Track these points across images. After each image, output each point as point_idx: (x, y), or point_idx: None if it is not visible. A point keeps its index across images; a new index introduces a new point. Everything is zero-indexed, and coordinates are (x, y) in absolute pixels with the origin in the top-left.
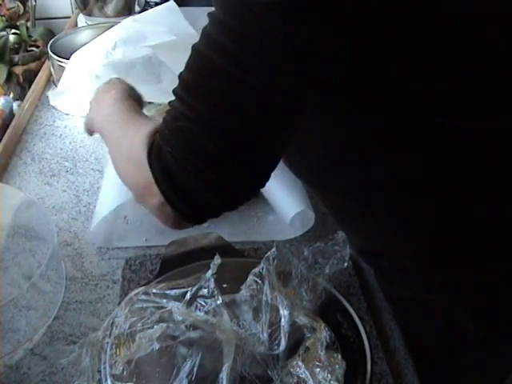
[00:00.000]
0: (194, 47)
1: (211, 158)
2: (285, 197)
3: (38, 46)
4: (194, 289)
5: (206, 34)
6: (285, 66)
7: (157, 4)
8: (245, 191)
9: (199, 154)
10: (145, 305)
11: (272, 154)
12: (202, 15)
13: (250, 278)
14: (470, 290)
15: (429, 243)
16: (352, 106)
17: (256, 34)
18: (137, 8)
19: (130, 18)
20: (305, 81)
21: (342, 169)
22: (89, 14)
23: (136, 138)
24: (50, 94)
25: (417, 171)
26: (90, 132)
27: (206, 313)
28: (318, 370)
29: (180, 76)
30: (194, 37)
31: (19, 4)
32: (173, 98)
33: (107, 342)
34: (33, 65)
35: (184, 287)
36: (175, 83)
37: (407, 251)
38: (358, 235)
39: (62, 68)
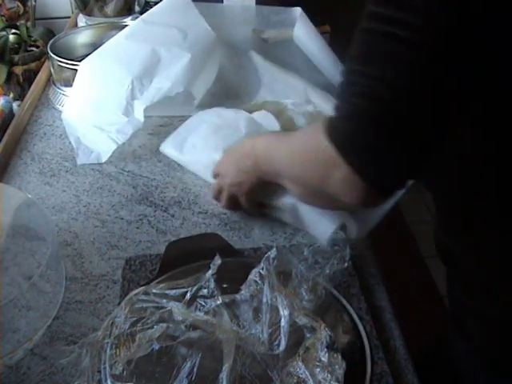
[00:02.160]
0: (357, 31)
1: (394, 119)
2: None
3: (38, 46)
4: (194, 289)
5: (366, 14)
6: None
7: (156, 4)
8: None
9: (383, 118)
10: (145, 305)
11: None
12: (212, 11)
13: (250, 277)
14: None
15: None
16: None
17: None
18: (137, 8)
19: (139, 20)
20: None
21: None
22: (89, 14)
23: (304, 135)
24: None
25: None
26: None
27: (206, 313)
28: (318, 370)
29: (348, 60)
30: (209, 44)
31: (19, 4)
32: None
33: (107, 342)
34: (33, 65)
35: (184, 287)
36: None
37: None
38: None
39: (62, 68)
